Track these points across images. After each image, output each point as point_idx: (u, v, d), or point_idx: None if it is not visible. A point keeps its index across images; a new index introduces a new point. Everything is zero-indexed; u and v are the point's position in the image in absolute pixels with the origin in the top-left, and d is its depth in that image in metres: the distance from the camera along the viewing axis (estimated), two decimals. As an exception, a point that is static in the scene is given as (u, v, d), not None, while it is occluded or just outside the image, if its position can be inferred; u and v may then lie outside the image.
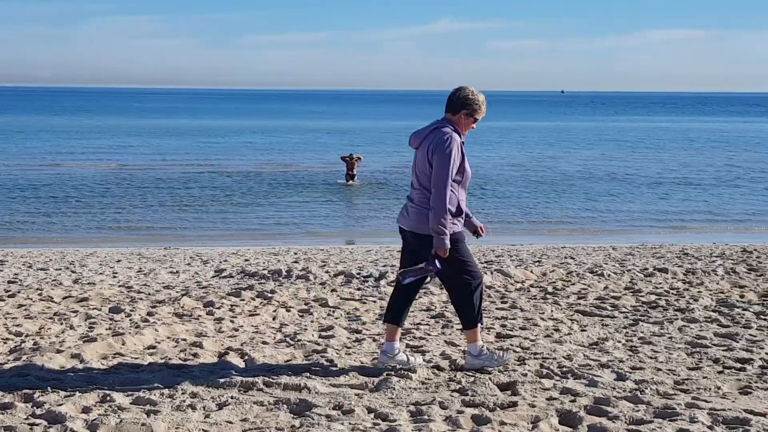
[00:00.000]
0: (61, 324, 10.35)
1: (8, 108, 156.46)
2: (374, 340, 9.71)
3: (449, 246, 7.94)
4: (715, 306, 11.64)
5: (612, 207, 31.79)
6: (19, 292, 12.50)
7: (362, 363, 8.69)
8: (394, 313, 8.49)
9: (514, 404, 7.34)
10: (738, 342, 9.52)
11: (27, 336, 9.72)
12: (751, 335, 9.89)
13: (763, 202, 33.62)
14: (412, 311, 11.33)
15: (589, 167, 47.33)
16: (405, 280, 8.19)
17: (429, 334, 10.01)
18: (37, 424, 6.77)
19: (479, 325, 8.45)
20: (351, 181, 38.40)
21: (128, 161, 48.84)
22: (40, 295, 12.33)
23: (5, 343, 9.40)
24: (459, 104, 8.11)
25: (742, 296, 12.39)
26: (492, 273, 13.94)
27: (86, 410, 7.14)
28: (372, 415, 7.06)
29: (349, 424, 6.83)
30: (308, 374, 8.22)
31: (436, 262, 7.97)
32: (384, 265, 15.45)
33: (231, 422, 6.90)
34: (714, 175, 43.92)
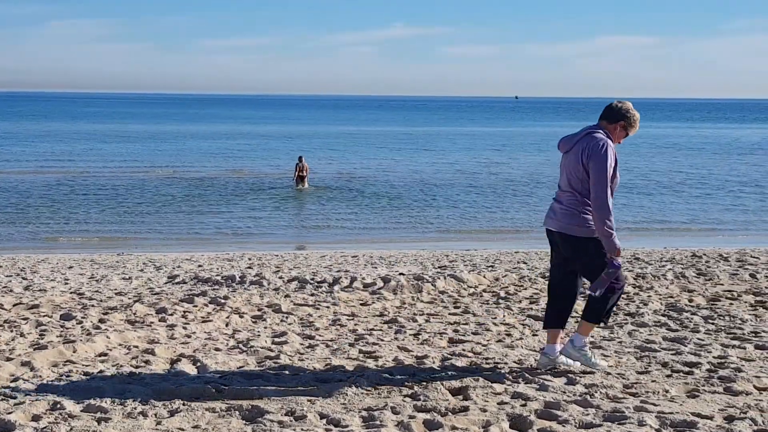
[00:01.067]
0: (11, 331, 10.24)
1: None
2: (327, 345, 9.70)
3: (620, 246, 8.13)
4: (665, 310, 11.76)
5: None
6: (-32, 300, 12.40)
7: (315, 369, 8.68)
8: (557, 318, 8.64)
9: (466, 409, 7.37)
10: (686, 346, 9.61)
11: (-23, 344, 9.65)
12: (699, 339, 9.99)
13: (702, 208, 33.98)
14: (365, 317, 11.37)
15: (533, 173, 47.58)
16: (597, 292, 8.26)
17: (382, 340, 10.01)
18: (-14, 432, 6.74)
19: (600, 324, 8.78)
20: (301, 186, 38.41)
21: (78, 167, 48.35)
22: (-10, 302, 12.23)
23: (-45, 351, 9.32)
24: (619, 115, 8.30)
25: (690, 300, 12.51)
26: (445, 278, 13.98)
27: (36, 418, 7.08)
28: (324, 421, 7.06)
29: (302, 430, 6.83)
30: (261, 380, 8.23)
31: (615, 263, 8.12)
32: (338, 271, 15.45)
33: (182, 429, 6.88)
34: (657, 180, 44.40)
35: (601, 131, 8.24)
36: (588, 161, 8.06)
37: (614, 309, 8.85)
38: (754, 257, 17.39)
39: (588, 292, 8.46)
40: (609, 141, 8.17)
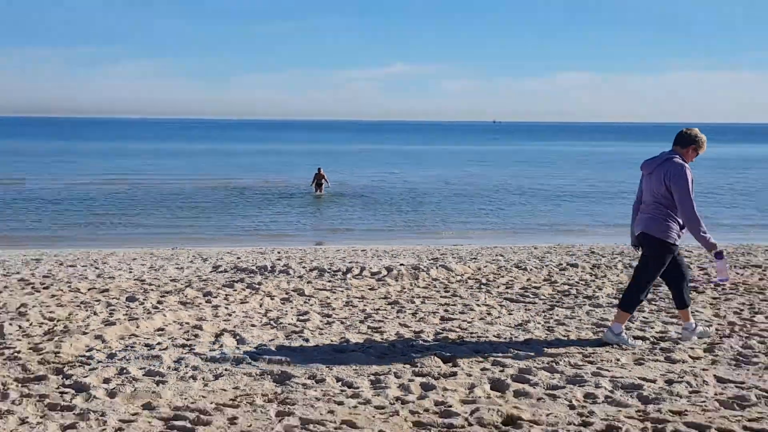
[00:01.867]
0: (87, 311, 10.33)
1: (77, 135, 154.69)
2: (342, 322, 9.75)
3: (717, 245, 8.27)
4: (616, 294, 11.75)
5: (529, 213, 32.02)
6: (52, 285, 12.46)
7: (332, 341, 8.73)
8: (630, 302, 8.60)
9: (455, 374, 7.42)
10: (633, 323, 9.63)
11: (58, 321, 9.71)
12: (644, 317, 10.02)
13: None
14: (373, 299, 11.37)
15: (505, 182, 47.60)
16: (723, 281, 8.96)
17: (386, 318, 10.05)
18: (66, 393, 6.77)
19: (688, 307, 8.79)
20: (319, 192, 38.64)
21: (143, 178, 48.37)
22: (69, 286, 12.27)
23: (41, 326, 9.37)
24: (689, 141, 8.42)
25: (638, 286, 12.51)
26: (437, 268, 14.01)
27: (106, 381, 7.16)
28: (340, 384, 7.12)
29: (321, 390, 6.87)
30: (288, 351, 8.26)
31: (720, 258, 8.35)
32: (350, 262, 15.47)
33: (225, 390, 6.94)
34: (598, 188, 44.56)
35: (677, 156, 8.38)
36: (671, 183, 8.22)
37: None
38: (688, 251, 17.33)
39: (702, 282, 8.58)
40: (685, 163, 8.33)
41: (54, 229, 26.25)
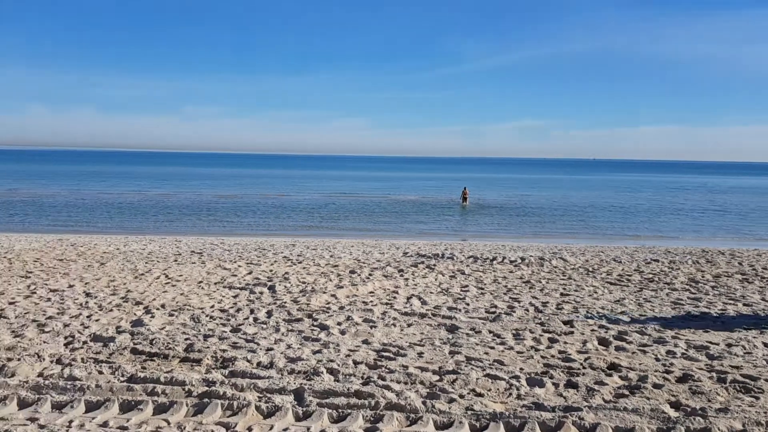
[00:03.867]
0: (325, 278, 10.70)
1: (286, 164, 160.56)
2: (491, 294, 9.65)
3: None
4: (687, 282, 11.04)
5: (619, 222, 30.46)
6: (303, 260, 12.95)
7: (485, 306, 8.66)
8: None
9: (572, 332, 7.22)
10: (701, 302, 9.02)
11: (308, 284, 10.09)
12: (709, 299, 9.37)
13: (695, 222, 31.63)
14: (512, 279, 11.17)
15: (599, 201, 45.45)
16: None
17: (521, 292, 9.87)
18: (314, 330, 7.08)
19: None
20: (465, 204, 38.65)
21: (357, 195, 49.69)
22: (313, 262, 12.73)
23: (297, 287, 9.79)
24: None
25: (703, 276, 11.71)
26: (557, 259, 13.61)
27: (339, 324, 7.40)
28: (491, 335, 7.07)
29: (479, 338, 6.85)
30: (456, 310, 8.26)
31: None
32: (495, 253, 15.25)
33: (414, 334, 7.04)
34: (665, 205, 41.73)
35: None
36: None
37: None
38: (740, 253, 16.01)
39: None
40: None
41: (304, 223, 27.36)
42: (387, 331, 7.11)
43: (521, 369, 5.86)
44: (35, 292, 8.94)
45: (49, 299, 8.52)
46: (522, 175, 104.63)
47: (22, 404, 4.92)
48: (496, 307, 8.62)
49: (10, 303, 8.23)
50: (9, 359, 5.88)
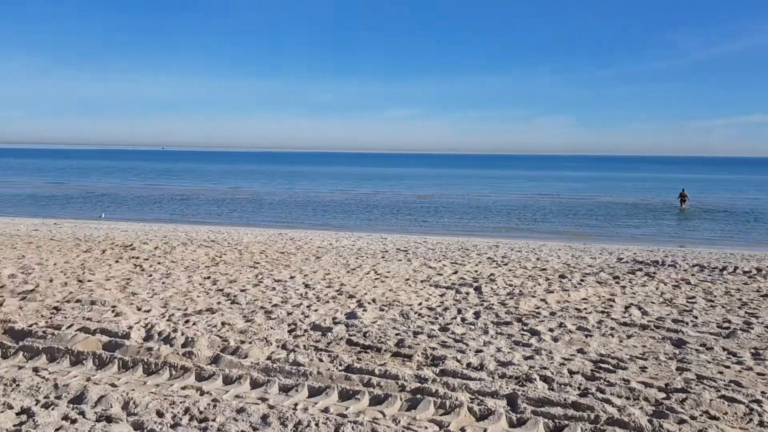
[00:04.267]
0: (532, 282, 10.47)
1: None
2: (723, 307, 8.70)
3: None
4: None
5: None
6: (508, 263, 12.77)
7: (716, 321, 7.85)
8: None
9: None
10: None
11: (515, 287, 9.93)
12: None
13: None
14: (746, 292, 10.03)
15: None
16: None
17: (758, 307, 8.78)
18: (525, 334, 6.89)
19: None
20: (683, 206, 35.75)
21: (559, 196, 48.10)
22: (519, 264, 12.51)
23: (504, 289, 9.68)
24: None
25: None
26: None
27: (551, 330, 7.17)
28: (725, 352, 6.41)
29: (711, 356, 6.25)
30: (682, 323, 7.61)
31: None
32: (721, 261, 13.78)
33: (636, 346, 6.62)
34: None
35: None
36: None
37: None
38: None
39: None
40: None
41: (503, 224, 27.09)
42: (604, 341, 6.74)
43: (763, 393, 5.22)
44: (262, 281, 9.83)
45: (273, 288, 9.31)
46: (750, 176, 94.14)
47: (254, 384, 5.41)
48: (729, 322, 7.79)
49: (242, 290, 9.12)
50: (242, 341, 6.50)
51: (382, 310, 8.04)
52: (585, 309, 8.32)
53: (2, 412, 4.76)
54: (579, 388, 5.34)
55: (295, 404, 5.00)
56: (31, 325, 6.95)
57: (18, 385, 5.28)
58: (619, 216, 32.01)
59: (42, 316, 7.43)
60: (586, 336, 6.92)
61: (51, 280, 9.57)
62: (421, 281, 10.18)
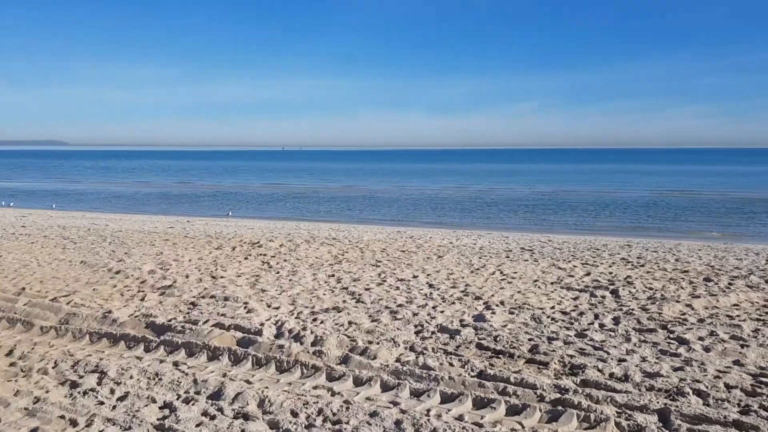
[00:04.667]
0: (674, 285, 9.69)
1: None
2: None
3: None
4: None
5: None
6: (645, 264, 11.90)
7: None
8: None
9: None
10: None
11: (656, 290, 9.22)
12: None
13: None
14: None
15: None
16: None
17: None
18: (671, 344, 6.39)
19: None
20: None
21: (637, 191, 45.17)
22: (657, 266, 11.64)
23: (644, 293, 9.04)
24: None
25: None
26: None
27: (701, 338, 6.62)
28: None
29: None
30: None
31: None
32: None
33: (804, 361, 5.91)
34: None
35: None
36: None
37: None
38: None
39: None
40: None
41: (632, 223, 25.76)
42: (763, 353, 6.13)
43: None
44: (385, 281, 9.82)
45: (397, 288, 9.26)
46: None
47: (385, 387, 5.35)
48: None
49: (366, 289, 9.15)
50: (370, 342, 6.48)
51: (511, 313, 7.77)
52: (738, 316, 7.63)
53: (147, 405, 4.99)
54: (739, 405, 4.88)
55: (428, 410, 4.89)
56: (170, 320, 7.30)
57: (160, 379, 5.53)
58: (759, 213, 29.55)
59: (180, 311, 7.79)
60: (742, 346, 6.32)
61: (187, 276, 10.06)
62: (552, 283, 9.78)
